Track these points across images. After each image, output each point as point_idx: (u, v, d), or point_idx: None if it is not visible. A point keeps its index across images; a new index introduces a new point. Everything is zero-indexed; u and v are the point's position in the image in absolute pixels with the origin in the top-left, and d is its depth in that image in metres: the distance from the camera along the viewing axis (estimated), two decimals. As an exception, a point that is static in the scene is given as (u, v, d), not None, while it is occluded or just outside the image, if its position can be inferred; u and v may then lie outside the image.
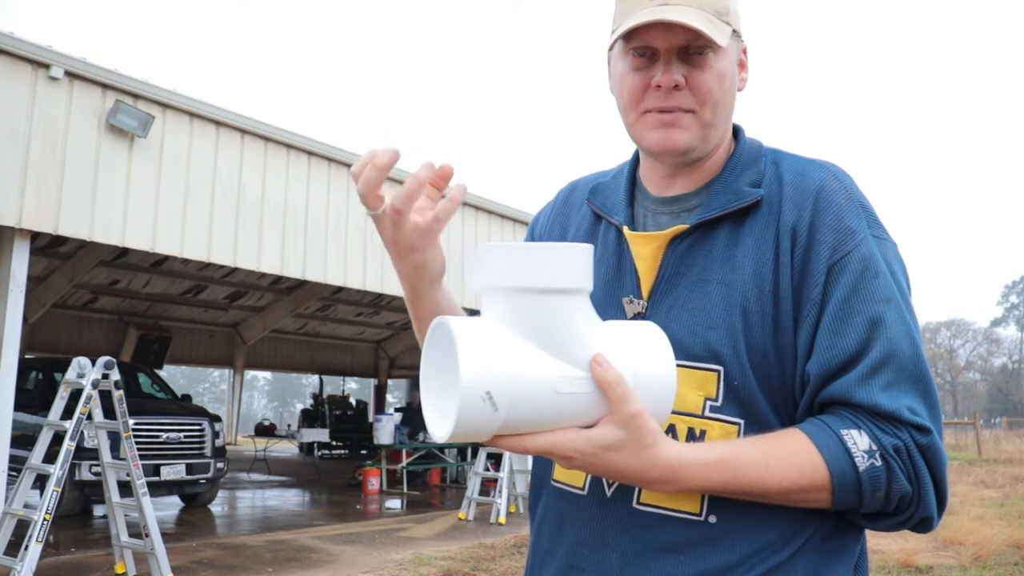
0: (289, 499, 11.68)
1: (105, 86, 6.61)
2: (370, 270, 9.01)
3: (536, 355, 0.80)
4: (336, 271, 8.65)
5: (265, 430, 16.95)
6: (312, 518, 9.53)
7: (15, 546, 4.87)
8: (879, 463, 0.87)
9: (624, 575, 0.95)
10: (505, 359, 0.78)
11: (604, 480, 0.98)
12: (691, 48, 0.95)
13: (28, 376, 9.59)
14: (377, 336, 21.09)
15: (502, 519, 8.80)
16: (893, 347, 0.89)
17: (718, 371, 0.94)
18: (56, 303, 13.55)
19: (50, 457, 5.00)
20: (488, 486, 9.70)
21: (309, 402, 21.67)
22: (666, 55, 0.96)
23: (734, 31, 0.99)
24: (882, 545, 7.25)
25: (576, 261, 0.82)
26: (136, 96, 6.81)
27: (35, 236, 6.40)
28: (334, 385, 29.14)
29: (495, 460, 10.18)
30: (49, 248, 11.55)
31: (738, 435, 0.93)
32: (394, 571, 6.29)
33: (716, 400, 0.94)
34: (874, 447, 0.87)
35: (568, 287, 0.81)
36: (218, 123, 7.54)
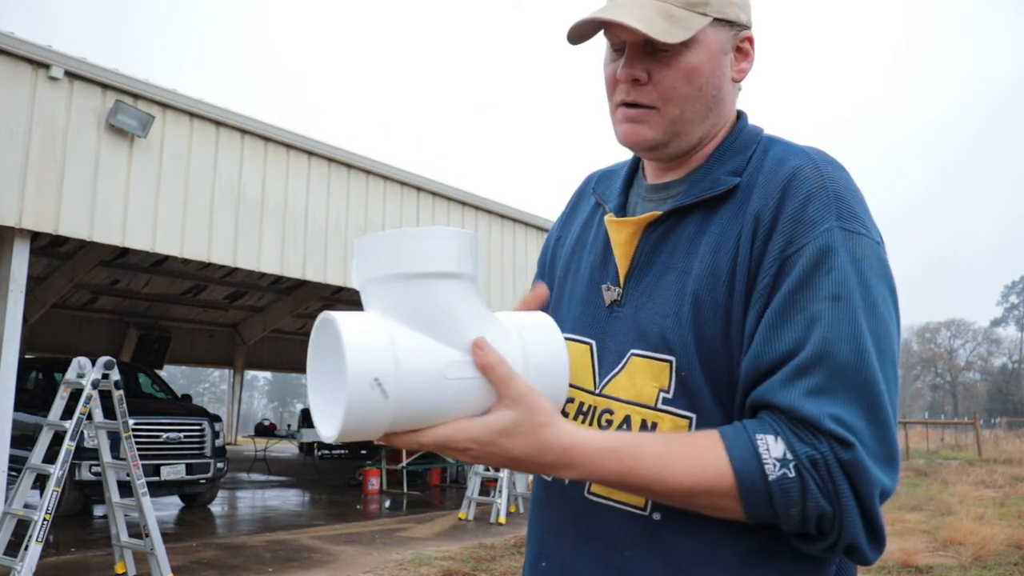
0: (289, 499, 11.68)
1: (105, 86, 6.61)
2: (370, 270, 9.00)
3: (422, 341, 0.79)
4: (336, 271, 8.65)
5: (265, 430, 16.95)
6: (312, 518, 9.52)
7: (15, 546, 4.87)
8: (792, 474, 0.78)
9: (574, 567, 0.95)
10: (391, 345, 0.76)
11: None
12: (653, 42, 0.91)
13: (28, 376, 9.59)
14: (377, 336, 21.09)
15: (502, 519, 8.80)
16: (827, 348, 0.80)
17: (670, 361, 0.91)
18: (56, 303, 13.56)
19: (50, 457, 5.00)
20: (488, 486, 9.70)
21: (309, 402, 21.62)
22: (630, 48, 0.93)
23: (720, 20, 0.93)
24: (882, 545, 7.25)
25: (450, 245, 0.80)
26: (136, 96, 6.81)
27: (35, 236, 6.40)
28: (334, 385, 29.07)
29: (495, 460, 10.17)
30: (49, 248, 11.55)
31: (689, 430, 0.90)
32: (394, 571, 6.29)
33: (668, 392, 0.91)
34: (789, 456, 0.78)
35: (443, 271, 0.80)
36: (218, 123, 7.54)
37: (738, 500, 0.80)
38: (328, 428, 0.80)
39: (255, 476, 14.62)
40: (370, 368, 0.74)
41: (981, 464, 17.77)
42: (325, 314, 0.81)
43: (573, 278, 1.08)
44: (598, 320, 1.00)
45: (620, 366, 0.96)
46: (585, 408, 0.99)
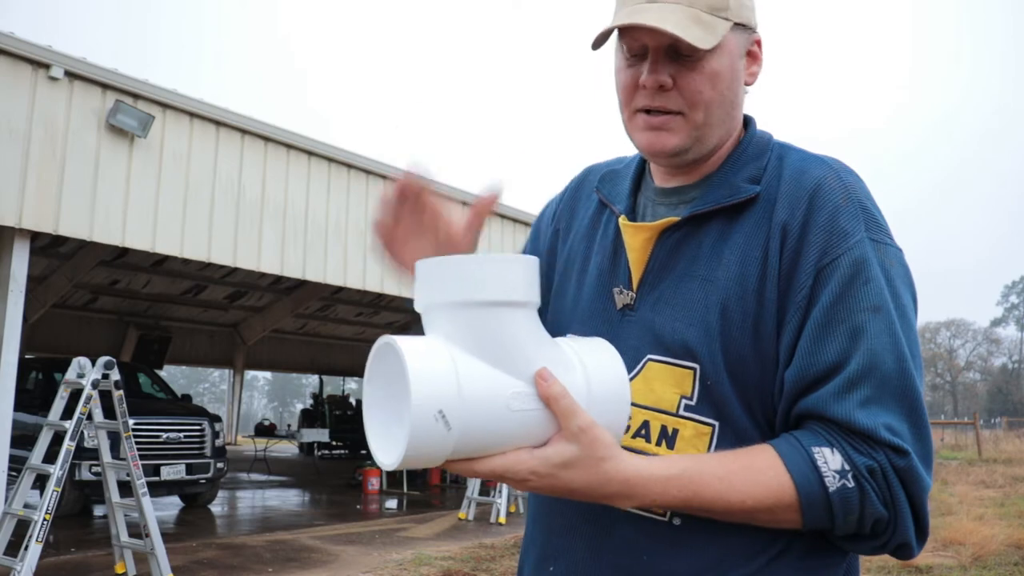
0: (289, 499, 11.68)
1: (105, 86, 6.61)
2: (370, 270, 9.00)
3: (486, 371, 0.77)
4: (336, 271, 8.65)
5: (265, 430, 16.95)
6: (312, 518, 9.52)
7: (15, 546, 4.87)
8: (851, 484, 0.81)
9: (589, 570, 0.94)
10: (454, 375, 0.75)
11: None
12: (680, 47, 0.90)
13: (28, 376, 9.59)
14: (377, 336, 21.06)
15: (502, 519, 8.80)
16: (875, 359, 0.83)
17: (694, 369, 0.91)
18: (56, 303, 13.55)
19: (50, 457, 5.00)
20: (488, 486, 9.70)
21: (309, 402, 21.67)
22: (654, 53, 0.92)
23: (737, 24, 0.93)
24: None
25: (517, 273, 0.79)
26: (136, 96, 6.80)
27: (35, 236, 6.39)
28: (334, 385, 29.12)
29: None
30: (49, 248, 11.55)
31: (712, 436, 0.90)
32: (394, 571, 6.29)
33: (691, 399, 0.91)
34: (847, 467, 0.81)
35: (510, 300, 0.79)
36: (218, 123, 7.53)
37: (798, 512, 0.82)
38: (387, 456, 0.79)
39: (255, 476, 14.62)
40: (434, 400, 0.73)
41: (981, 464, 17.77)
42: (387, 339, 0.79)
43: (579, 276, 1.07)
44: (609, 323, 1.00)
45: (636, 371, 0.95)
46: None
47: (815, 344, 0.85)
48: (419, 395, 0.72)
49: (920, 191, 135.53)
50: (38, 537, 4.60)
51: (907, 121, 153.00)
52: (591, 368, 0.84)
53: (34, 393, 9.06)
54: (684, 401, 0.91)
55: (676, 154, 0.95)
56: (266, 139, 7.98)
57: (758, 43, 0.99)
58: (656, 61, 0.91)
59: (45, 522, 4.64)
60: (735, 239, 0.92)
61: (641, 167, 1.08)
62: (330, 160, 8.65)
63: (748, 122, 1.03)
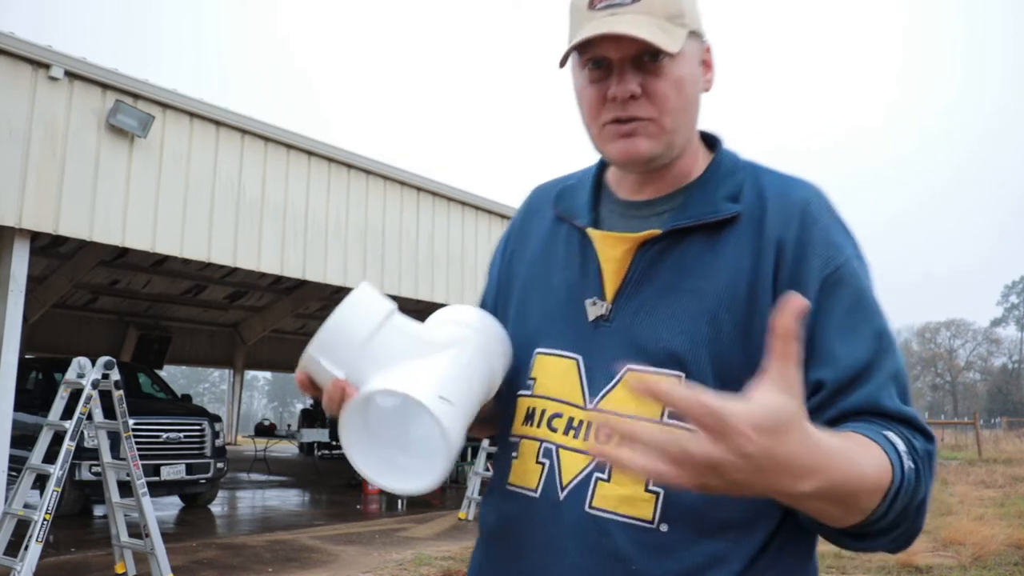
0: (289, 499, 11.68)
1: (105, 86, 6.61)
2: (370, 270, 9.00)
3: (430, 360, 0.90)
4: (336, 271, 8.65)
5: (265, 430, 16.93)
6: (312, 518, 9.53)
7: (15, 546, 4.87)
8: (913, 465, 0.83)
9: None
10: (419, 371, 0.86)
11: (557, 480, 0.96)
12: (645, 56, 0.93)
13: (28, 376, 9.59)
14: (377, 336, 21.07)
15: (502, 519, 8.78)
16: (899, 361, 0.92)
17: (680, 377, 0.92)
18: (56, 303, 13.55)
19: (50, 457, 5.00)
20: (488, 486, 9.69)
21: (309, 402, 21.64)
22: (619, 65, 0.94)
23: (692, 32, 0.97)
24: (882, 545, 7.25)
25: (372, 295, 0.91)
26: (136, 96, 6.81)
27: (35, 236, 6.40)
28: (334, 385, 29.06)
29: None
30: (49, 248, 11.55)
31: None
32: (394, 571, 6.29)
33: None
34: (907, 449, 0.84)
35: (381, 320, 0.89)
36: (218, 123, 7.54)
37: (882, 494, 0.80)
38: (428, 474, 0.86)
39: (255, 476, 14.62)
40: (429, 391, 0.83)
41: (981, 464, 17.77)
42: (361, 397, 0.85)
43: (542, 293, 1.08)
44: (582, 335, 1.01)
45: (615, 381, 0.96)
46: (575, 423, 0.98)
47: (844, 346, 0.90)
48: (425, 395, 0.81)
49: (920, 191, 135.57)
50: (38, 537, 4.60)
51: (906, 121, 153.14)
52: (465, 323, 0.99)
53: (34, 393, 9.06)
54: (668, 409, 0.90)
55: (650, 160, 0.97)
56: (266, 139, 7.99)
57: (708, 51, 1.03)
58: (623, 72, 0.94)
59: (45, 522, 4.64)
60: (722, 252, 0.96)
61: (598, 180, 1.10)
62: (330, 160, 8.65)
63: (716, 140, 1.07)
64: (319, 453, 16.31)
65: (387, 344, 0.88)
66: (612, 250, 1.01)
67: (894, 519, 0.83)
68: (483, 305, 1.19)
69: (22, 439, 7.33)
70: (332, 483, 13.30)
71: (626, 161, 0.98)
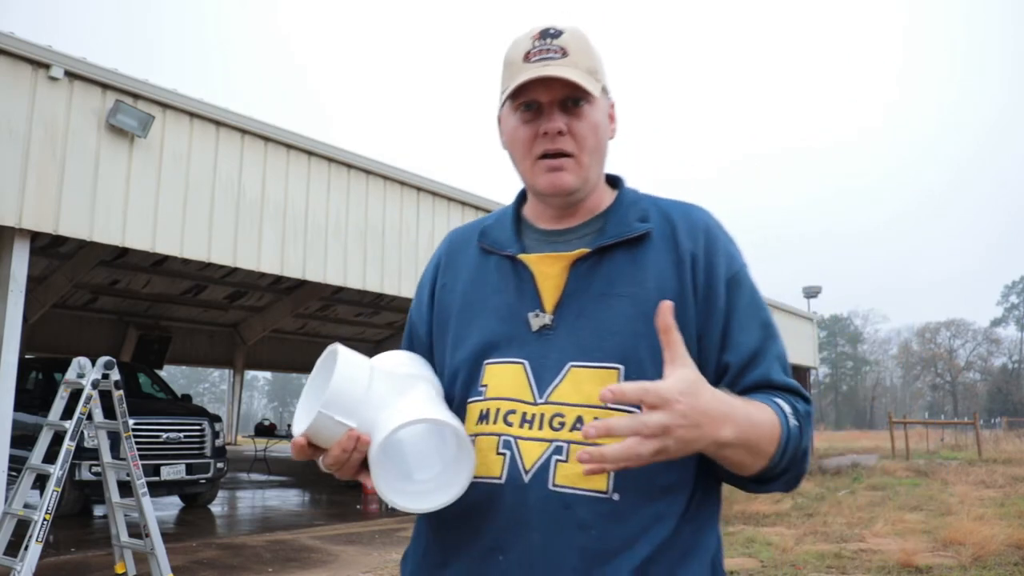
0: (289, 499, 11.68)
1: (105, 86, 6.61)
2: (370, 270, 9.00)
3: (416, 392, 1.09)
4: (336, 271, 8.65)
5: (265, 430, 16.92)
6: (312, 518, 9.53)
7: (15, 546, 4.86)
8: (796, 423, 1.08)
9: (547, 552, 1.07)
10: (423, 402, 1.06)
11: (520, 466, 1.11)
12: (569, 101, 1.14)
13: (28, 376, 9.59)
14: (377, 336, 21.07)
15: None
16: (781, 344, 1.17)
17: (618, 369, 1.11)
18: (56, 303, 13.55)
19: (50, 457, 4.99)
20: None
21: (309, 402, 21.56)
22: (549, 107, 1.15)
23: (603, 88, 1.19)
24: (882, 545, 7.25)
25: (352, 358, 1.03)
26: (136, 96, 6.80)
27: (35, 236, 6.39)
28: (334, 385, 29.05)
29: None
30: (49, 248, 11.54)
31: None
32: (394, 571, 6.29)
33: (627, 405, 1.04)
34: (791, 411, 1.09)
35: (370, 369, 1.05)
36: (218, 123, 7.53)
37: (776, 444, 1.05)
38: (455, 481, 1.06)
39: (255, 476, 14.62)
40: (446, 413, 1.07)
41: (981, 464, 17.77)
42: (400, 425, 1.00)
43: (482, 315, 1.22)
44: (526, 344, 1.17)
45: (560, 377, 1.13)
46: (529, 416, 1.13)
47: (744, 335, 1.14)
48: (443, 416, 1.03)
49: (920, 192, 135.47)
50: (38, 537, 4.60)
51: (907, 121, 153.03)
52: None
53: (34, 393, 9.06)
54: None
55: (572, 192, 1.17)
56: (266, 139, 7.98)
57: (613, 107, 1.25)
58: (552, 112, 1.15)
59: (45, 522, 4.64)
60: (644, 263, 1.16)
61: (517, 215, 1.29)
62: (330, 160, 8.65)
63: (619, 179, 1.29)
64: (319, 453, 16.31)
65: (379, 389, 1.02)
66: (549, 268, 1.18)
67: (787, 464, 1.07)
68: (413, 338, 1.34)
69: (22, 439, 7.33)
70: (332, 483, 13.30)
71: (554, 192, 1.17)
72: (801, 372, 23.49)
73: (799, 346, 22.51)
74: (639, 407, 0.97)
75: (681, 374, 0.92)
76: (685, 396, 0.90)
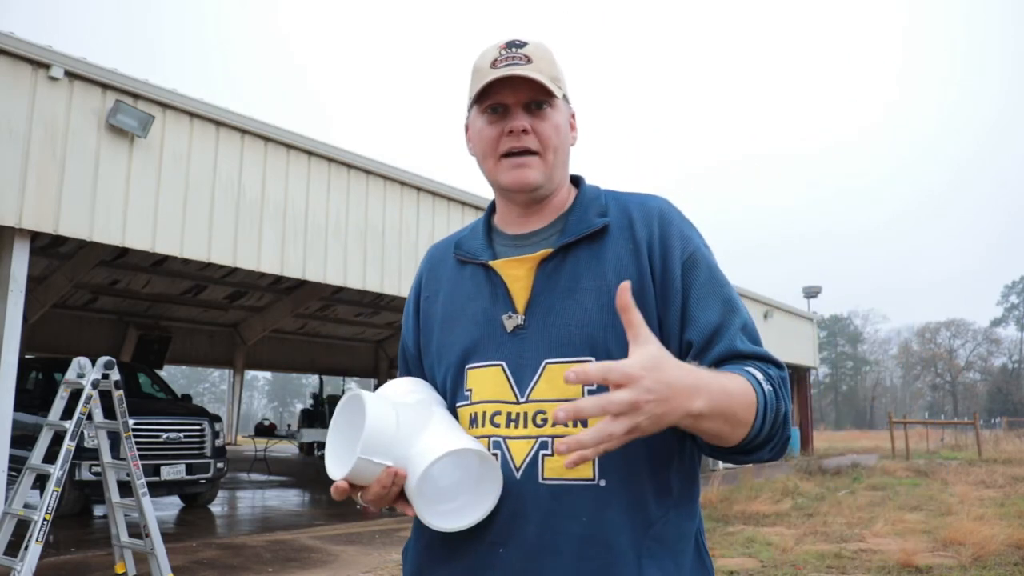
0: (289, 499, 11.68)
1: (105, 86, 6.61)
2: (370, 270, 9.00)
3: (434, 421, 1.16)
4: (336, 271, 8.65)
5: (265, 430, 16.95)
6: (312, 518, 9.53)
7: (15, 546, 4.86)
8: (771, 387, 1.09)
9: (543, 542, 1.12)
10: (448, 433, 1.13)
11: (511, 464, 1.16)
12: (533, 104, 1.21)
13: (28, 376, 9.59)
14: (377, 336, 21.08)
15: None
16: (745, 316, 1.19)
17: (589, 361, 1.14)
18: (56, 303, 13.55)
19: (50, 457, 4.99)
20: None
21: (309, 402, 21.67)
22: (514, 108, 1.21)
23: (564, 96, 1.26)
24: (882, 545, 7.25)
25: (377, 402, 1.09)
26: (136, 96, 6.80)
27: (35, 236, 6.39)
28: (334, 385, 29.12)
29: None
30: (49, 248, 11.54)
31: None
32: (394, 571, 6.29)
33: (592, 385, 1.06)
34: (764, 377, 1.10)
35: (393, 409, 1.11)
36: (218, 123, 7.53)
37: (754, 411, 1.05)
38: (481, 502, 1.14)
39: (255, 476, 14.62)
40: (470, 440, 1.14)
41: (981, 464, 17.76)
42: (439, 456, 1.08)
43: (462, 322, 1.28)
44: (503, 345, 1.22)
45: (537, 376, 1.18)
46: (514, 416, 1.18)
47: (703, 312, 1.17)
48: (473, 445, 1.11)
49: (920, 192, 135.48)
50: (38, 537, 4.60)
51: (907, 121, 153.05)
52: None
53: (34, 393, 9.06)
54: (587, 389, 1.13)
55: (535, 188, 1.23)
56: (266, 139, 7.98)
57: (574, 116, 1.32)
58: (516, 113, 1.21)
59: (45, 522, 4.64)
60: (604, 256, 1.21)
61: (488, 224, 1.35)
62: (330, 160, 8.65)
63: (580, 178, 1.34)
64: (319, 453, 16.33)
65: (405, 425, 1.10)
66: (516, 271, 1.24)
67: (769, 431, 1.08)
68: (407, 358, 1.40)
69: (22, 439, 7.33)
70: (332, 483, 13.29)
71: (519, 187, 1.22)
72: (801, 372, 23.51)
73: (799, 346, 22.50)
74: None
75: (644, 351, 0.94)
76: (649, 371, 0.91)
